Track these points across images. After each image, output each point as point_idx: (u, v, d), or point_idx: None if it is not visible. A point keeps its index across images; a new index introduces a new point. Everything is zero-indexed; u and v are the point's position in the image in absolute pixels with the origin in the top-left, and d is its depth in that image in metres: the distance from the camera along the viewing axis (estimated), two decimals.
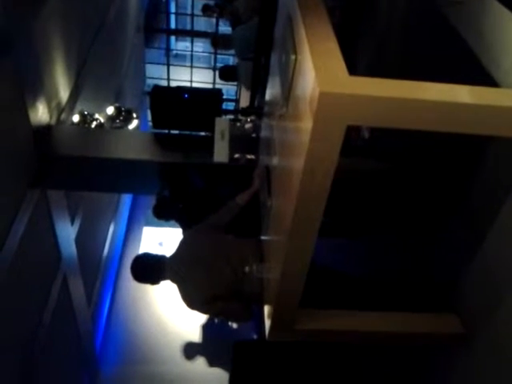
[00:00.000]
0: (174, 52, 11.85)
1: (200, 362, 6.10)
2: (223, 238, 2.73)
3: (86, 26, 4.54)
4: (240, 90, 8.92)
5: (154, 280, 2.77)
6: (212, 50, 9.75)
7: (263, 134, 2.56)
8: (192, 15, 9.96)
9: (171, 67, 10.24)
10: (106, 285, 6.26)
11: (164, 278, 2.73)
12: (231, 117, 4.26)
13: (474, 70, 2.01)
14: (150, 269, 2.74)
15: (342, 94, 1.24)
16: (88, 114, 4.15)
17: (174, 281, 2.68)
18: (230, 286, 2.53)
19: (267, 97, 2.46)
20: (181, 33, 11.28)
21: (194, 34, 10.27)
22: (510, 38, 1.80)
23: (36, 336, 3.71)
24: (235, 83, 8.84)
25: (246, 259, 2.48)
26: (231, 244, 2.68)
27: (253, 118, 2.83)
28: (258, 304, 2.41)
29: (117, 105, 4.74)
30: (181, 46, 12.38)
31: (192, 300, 2.63)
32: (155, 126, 3.52)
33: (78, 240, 4.48)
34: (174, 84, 9.69)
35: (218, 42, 7.13)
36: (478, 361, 1.97)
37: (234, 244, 2.68)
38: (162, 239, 7.75)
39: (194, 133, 3.83)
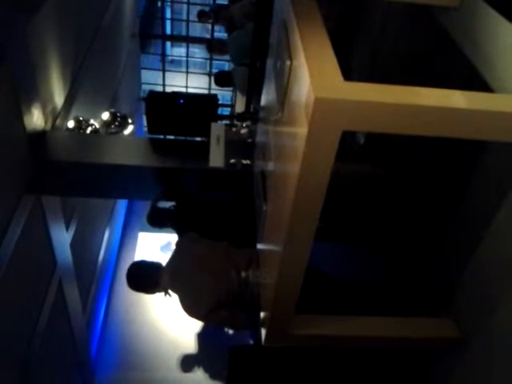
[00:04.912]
0: (170, 58, 11.84)
1: (195, 368, 6.07)
2: (223, 243, 2.72)
3: (81, 32, 4.54)
4: (235, 95, 8.93)
5: (149, 288, 2.72)
6: (207, 56, 9.78)
7: (259, 139, 2.56)
8: (187, 21, 9.98)
9: (167, 73, 10.25)
10: (101, 290, 6.23)
11: (159, 288, 2.68)
12: (227, 122, 4.26)
13: (469, 76, 2.01)
14: (146, 276, 2.70)
15: (337, 99, 1.24)
16: (83, 119, 4.14)
17: (174, 288, 2.63)
18: (235, 291, 2.50)
19: (262, 102, 2.46)
20: (176, 39, 11.28)
21: (189, 40, 10.29)
22: (505, 44, 1.81)
23: (31, 342, 3.69)
24: (231, 89, 8.85)
25: (250, 262, 2.46)
26: (232, 248, 2.67)
27: (248, 123, 2.83)
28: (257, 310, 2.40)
29: (112, 110, 4.74)
30: (176, 51, 12.37)
31: (196, 307, 2.57)
32: (150, 131, 3.52)
33: (73, 246, 4.47)
34: (169, 90, 9.69)
35: (213, 47, 7.14)
36: (474, 365, 1.97)
37: (234, 248, 2.67)
38: (160, 244, 7.69)
39: (189, 138, 3.83)
